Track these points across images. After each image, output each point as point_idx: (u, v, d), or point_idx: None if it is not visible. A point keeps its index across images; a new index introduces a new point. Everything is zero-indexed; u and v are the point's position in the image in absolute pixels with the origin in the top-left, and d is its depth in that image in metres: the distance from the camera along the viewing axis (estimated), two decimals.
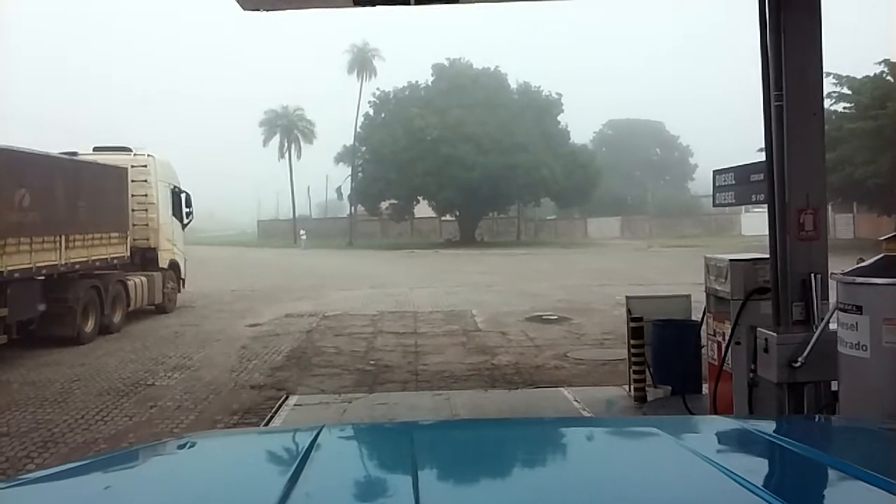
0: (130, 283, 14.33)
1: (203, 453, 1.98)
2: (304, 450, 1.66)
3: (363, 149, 57.84)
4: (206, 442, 2.36)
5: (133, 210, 15.46)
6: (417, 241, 59.83)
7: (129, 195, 15.22)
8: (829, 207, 53.03)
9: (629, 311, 8.29)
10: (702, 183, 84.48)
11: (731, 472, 1.42)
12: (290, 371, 10.10)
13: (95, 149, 15.84)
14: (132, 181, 15.43)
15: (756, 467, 1.61)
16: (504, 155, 49.71)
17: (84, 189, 12.84)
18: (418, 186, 52.71)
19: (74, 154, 14.47)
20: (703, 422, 2.79)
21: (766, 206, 5.72)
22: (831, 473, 1.53)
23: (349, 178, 60.82)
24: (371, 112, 56.94)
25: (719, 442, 1.92)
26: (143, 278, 14.99)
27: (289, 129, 62.87)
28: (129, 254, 14.45)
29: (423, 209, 59.04)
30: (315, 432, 1.80)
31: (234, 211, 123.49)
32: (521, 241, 59.74)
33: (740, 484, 1.35)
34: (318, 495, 1.43)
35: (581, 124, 61.11)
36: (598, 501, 1.41)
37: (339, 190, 71.24)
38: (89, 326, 12.61)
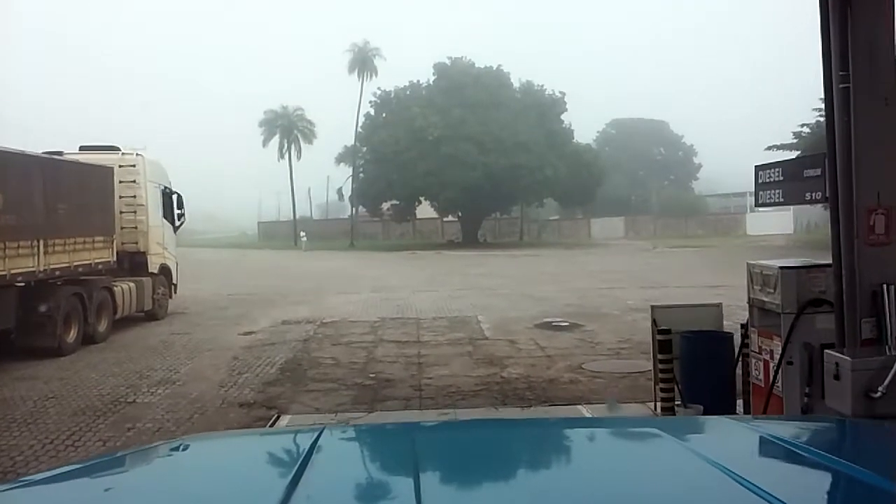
0: (117, 290, 13.55)
1: (204, 455, 1.97)
2: (304, 451, 1.64)
3: (364, 149, 57.10)
4: (207, 443, 2.34)
5: (121, 212, 14.69)
6: (419, 242, 59.13)
7: (117, 196, 14.47)
8: None
9: (654, 322, 7.52)
10: (706, 182, 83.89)
11: (732, 472, 1.41)
12: (284, 386, 9.34)
13: (82, 148, 15.11)
14: (120, 182, 14.67)
15: (758, 467, 1.58)
16: (507, 154, 48.98)
17: (65, 190, 12.06)
18: (420, 187, 51.94)
19: (59, 153, 13.74)
20: (706, 422, 2.73)
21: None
22: (833, 474, 1.52)
23: (350, 178, 60.14)
24: (372, 112, 56.15)
25: (721, 442, 1.89)
26: (132, 284, 14.21)
27: (289, 130, 62.08)
28: (115, 258, 13.66)
29: (424, 210, 58.32)
30: (316, 434, 1.80)
31: (236, 212, 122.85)
32: (524, 242, 59.05)
33: (742, 484, 1.34)
34: (319, 497, 1.42)
35: (584, 124, 60.45)
36: (600, 501, 1.40)
37: (339, 191, 70.60)
38: (71, 336, 11.84)
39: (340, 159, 65.34)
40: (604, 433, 2.10)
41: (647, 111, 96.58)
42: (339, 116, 65.35)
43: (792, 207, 72.04)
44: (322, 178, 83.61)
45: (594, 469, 1.67)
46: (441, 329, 13.42)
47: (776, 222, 69.58)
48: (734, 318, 13.17)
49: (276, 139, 62.56)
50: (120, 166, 14.74)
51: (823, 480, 1.53)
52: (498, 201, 54.41)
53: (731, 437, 1.93)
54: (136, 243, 14.99)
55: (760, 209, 76.63)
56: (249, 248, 58.87)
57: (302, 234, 57.93)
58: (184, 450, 2.04)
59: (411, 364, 10.39)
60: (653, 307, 7.73)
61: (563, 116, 55.38)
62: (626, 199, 75.77)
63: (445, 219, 61.73)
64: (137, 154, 15.24)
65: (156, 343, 12.66)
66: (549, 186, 51.83)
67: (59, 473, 1.80)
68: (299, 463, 1.56)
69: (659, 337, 7.23)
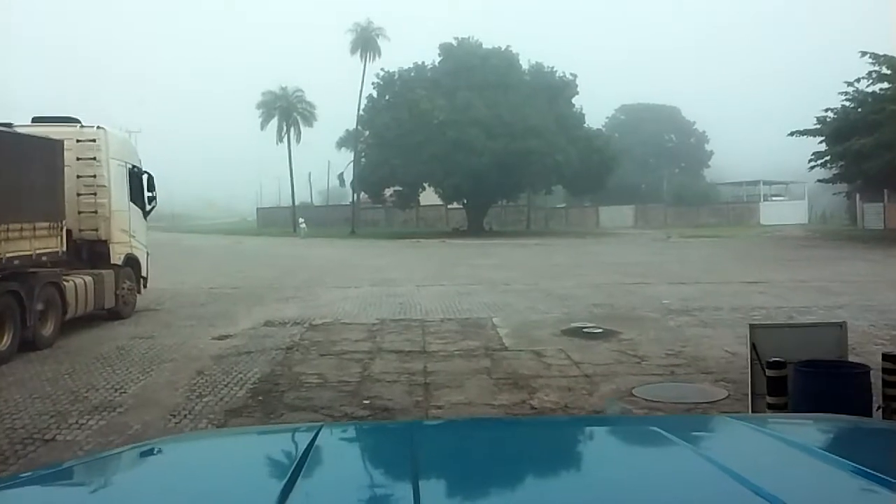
0: (68, 285, 11.46)
1: (201, 452, 1.97)
2: (303, 449, 1.63)
3: (366, 133, 55.04)
4: (205, 440, 2.41)
5: (78, 194, 12.66)
6: (423, 229, 57.15)
7: (74, 176, 12.46)
8: (857, 196, 50.40)
9: (754, 348, 5.43)
10: (717, 170, 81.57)
11: (733, 471, 1.41)
12: (252, 416, 7.27)
13: (35, 120, 13.09)
14: (77, 159, 12.64)
15: (758, 467, 1.52)
16: (515, 139, 46.77)
17: None
18: (424, 172, 49.80)
19: (9, 125, 11.67)
20: (706, 421, 2.66)
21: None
22: (833, 473, 1.50)
23: (351, 163, 58.06)
24: (375, 94, 53.93)
25: (721, 441, 1.90)
26: (88, 278, 12.11)
27: (288, 112, 59.82)
28: (63, 248, 11.50)
29: (428, 196, 56.17)
30: (315, 431, 1.79)
31: (236, 198, 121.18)
32: (530, 231, 57.06)
33: (742, 483, 1.34)
34: (318, 496, 1.43)
35: (593, 109, 57.97)
36: (600, 501, 1.41)
37: (341, 176, 68.74)
38: (3, 343, 9.76)
39: (342, 143, 63.34)
40: (604, 432, 2.07)
41: (657, 96, 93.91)
42: (341, 99, 63.45)
43: (806, 197, 70.28)
44: (323, 163, 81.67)
45: (594, 468, 1.68)
46: (451, 335, 11.33)
47: (791, 212, 67.49)
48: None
49: (274, 122, 60.34)
50: (77, 141, 12.71)
51: (823, 479, 1.49)
52: (505, 188, 52.21)
53: (732, 436, 1.92)
54: (97, 230, 12.91)
55: (774, 198, 74.59)
56: (247, 234, 56.87)
57: (301, 220, 55.84)
58: (183, 446, 2.11)
59: (416, 385, 8.31)
60: (752, 326, 5.60)
61: (573, 100, 53.22)
62: (635, 186, 73.60)
63: (450, 206, 59.63)
64: (98, 127, 13.13)
65: (110, 350, 10.58)
66: (559, 173, 49.62)
67: (56, 471, 1.83)
68: (297, 461, 1.54)
69: (770, 372, 5.12)
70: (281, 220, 66.33)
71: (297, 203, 65.17)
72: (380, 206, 60.87)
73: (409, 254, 33.77)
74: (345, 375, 8.78)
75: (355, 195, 60.66)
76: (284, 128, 59.77)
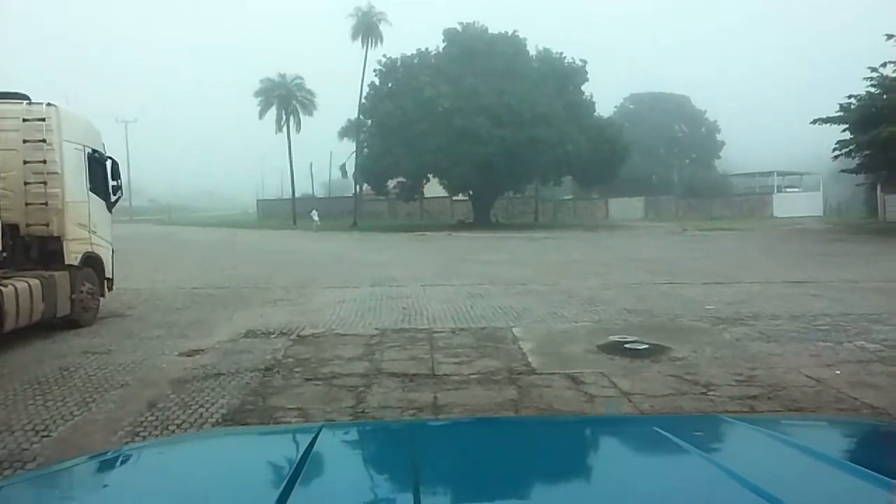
0: (7, 291, 9.53)
1: (203, 452, 1.94)
2: (304, 449, 1.61)
3: (369, 122, 53.06)
4: (206, 441, 2.36)
5: (25, 183, 10.84)
6: (427, 222, 55.35)
7: (21, 161, 10.81)
8: (878, 187, 48.32)
9: None
10: (730, 161, 79.43)
11: (732, 471, 1.40)
12: None
13: None
14: (25, 142, 10.83)
15: (757, 466, 1.51)
16: (523, 127, 44.82)
17: None
18: (429, 162, 47.84)
19: None
20: (706, 421, 2.61)
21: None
22: (832, 473, 1.49)
23: (354, 154, 56.19)
24: (377, 82, 51.93)
25: (721, 441, 1.88)
26: (35, 282, 10.23)
27: (287, 100, 57.84)
28: None
29: (433, 188, 54.32)
30: (315, 432, 1.76)
31: (237, 189, 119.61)
32: (538, 224, 55.30)
33: (741, 483, 1.33)
34: (318, 496, 1.42)
35: (601, 98, 55.99)
36: (600, 500, 1.39)
37: (343, 167, 67.12)
38: None
39: (344, 133, 61.71)
40: (604, 432, 2.06)
41: (666, 85, 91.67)
42: (343, 88, 61.57)
43: (821, 188, 68.19)
44: (325, 154, 79.83)
45: (594, 467, 1.68)
46: (464, 352, 9.40)
47: (805, 203, 65.53)
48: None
49: (273, 111, 58.36)
50: (24, 120, 10.86)
51: (822, 479, 1.47)
52: (513, 179, 50.26)
53: (732, 436, 1.90)
54: (47, 225, 11.04)
55: (788, 189, 72.61)
56: (247, 227, 55.15)
57: (313, 212, 53.59)
58: (184, 446, 2.10)
59: None
60: None
61: (584, 87, 51.19)
62: (644, 178, 71.73)
63: (455, 198, 57.74)
64: (49, 104, 11.20)
65: (50, 372, 8.68)
66: (568, 163, 47.63)
67: (57, 471, 1.83)
68: (298, 461, 1.52)
69: None
70: (282, 213, 64.55)
71: (298, 195, 63.35)
72: (383, 198, 59.06)
73: (414, 248, 31.90)
74: (333, 411, 6.87)
75: (358, 187, 58.85)
76: (283, 116, 57.80)
